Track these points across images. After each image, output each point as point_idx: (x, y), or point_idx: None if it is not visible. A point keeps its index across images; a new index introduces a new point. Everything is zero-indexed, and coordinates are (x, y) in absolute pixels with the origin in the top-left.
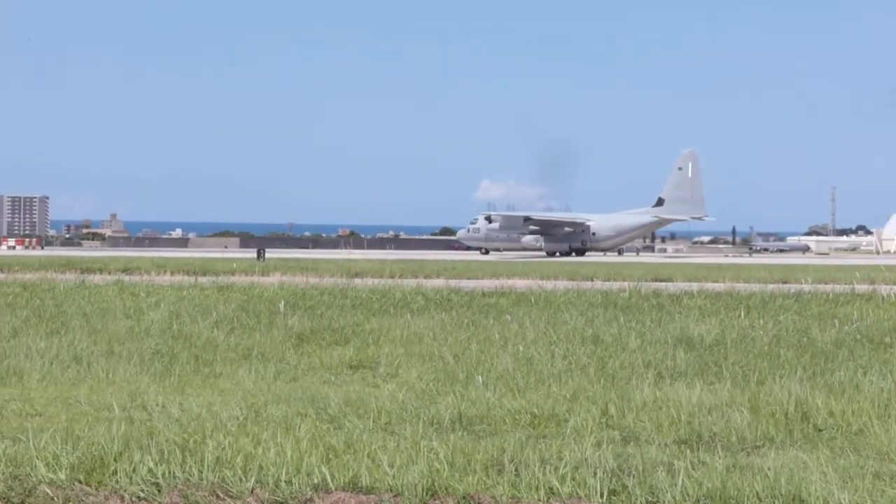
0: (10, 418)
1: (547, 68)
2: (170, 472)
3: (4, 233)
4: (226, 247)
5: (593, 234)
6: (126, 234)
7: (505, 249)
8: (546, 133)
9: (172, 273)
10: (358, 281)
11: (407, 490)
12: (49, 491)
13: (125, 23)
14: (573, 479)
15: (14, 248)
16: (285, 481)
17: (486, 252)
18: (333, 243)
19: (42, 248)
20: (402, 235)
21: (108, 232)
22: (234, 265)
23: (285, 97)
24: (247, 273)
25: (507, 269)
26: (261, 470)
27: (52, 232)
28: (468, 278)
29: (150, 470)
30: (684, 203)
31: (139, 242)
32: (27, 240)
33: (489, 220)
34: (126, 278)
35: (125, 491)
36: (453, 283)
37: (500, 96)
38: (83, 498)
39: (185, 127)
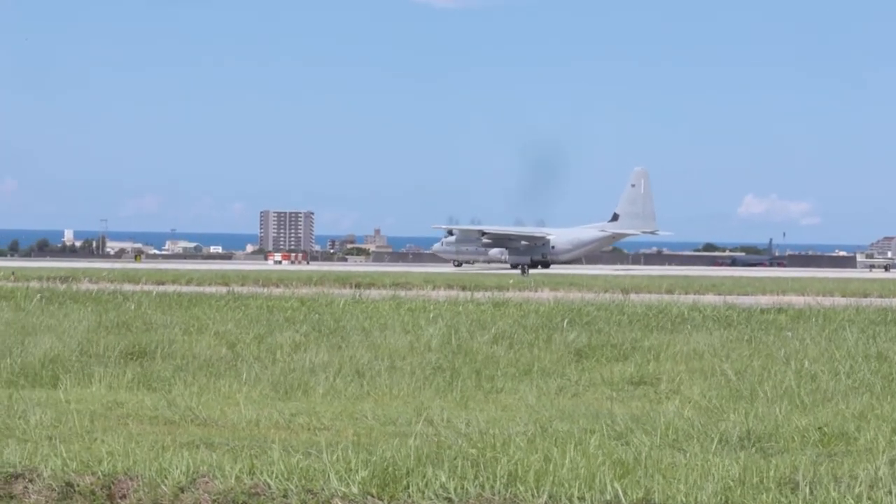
0: (299, 432)
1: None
2: (462, 488)
3: (270, 248)
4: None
5: (553, 247)
6: (390, 249)
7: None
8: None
9: (443, 288)
10: (633, 296)
11: None
12: None
13: (387, 43)
14: (869, 498)
15: (280, 262)
16: (578, 497)
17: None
18: (594, 259)
19: (308, 262)
20: (665, 251)
21: (371, 247)
22: (511, 281)
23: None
24: (519, 288)
25: (776, 286)
26: (553, 485)
27: (316, 247)
28: (738, 294)
29: (442, 485)
30: (637, 218)
31: (403, 257)
32: (293, 255)
33: (451, 233)
34: (402, 293)
35: None
36: (730, 299)
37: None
38: None
39: (444, 142)
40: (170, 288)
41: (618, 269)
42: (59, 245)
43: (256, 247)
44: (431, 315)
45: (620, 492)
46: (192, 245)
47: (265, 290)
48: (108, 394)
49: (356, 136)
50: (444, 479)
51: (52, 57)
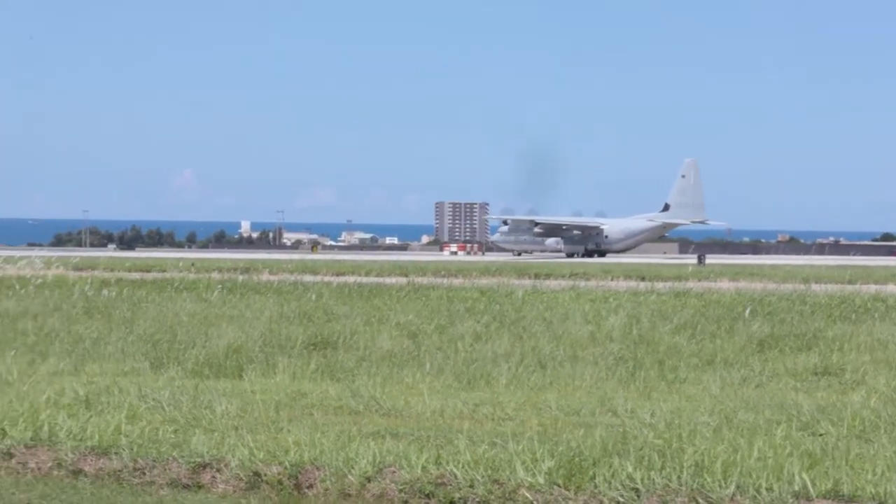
0: (483, 422)
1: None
2: (649, 478)
3: (446, 238)
4: (665, 252)
5: (606, 236)
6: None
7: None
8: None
9: (622, 278)
10: (814, 286)
11: (891, 499)
12: (528, 494)
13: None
14: None
15: (456, 253)
16: (766, 488)
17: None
18: (772, 249)
19: (483, 253)
20: (842, 241)
21: None
22: (691, 269)
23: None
24: (699, 279)
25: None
26: (740, 476)
27: (491, 237)
28: None
29: (628, 475)
30: (687, 208)
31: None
32: (469, 245)
33: (505, 223)
34: (581, 284)
35: (604, 496)
36: None
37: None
38: (562, 502)
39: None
40: (349, 279)
41: (669, 258)
42: (236, 236)
43: (432, 237)
44: (615, 306)
45: (809, 483)
46: (368, 236)
47: (444, 280)
48: (292, 384)
49: (533, 126)
50: (630, 470)
51: (233, 52)
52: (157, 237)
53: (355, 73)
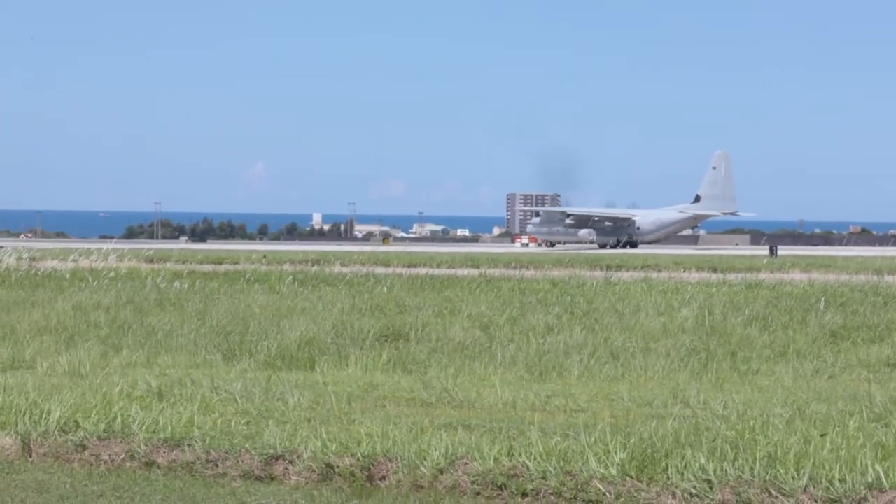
0: (556, 413)
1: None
2: (721, 469)
3: (517, 230)
4: (736, 244)
5: (638, 228)
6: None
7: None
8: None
9: (694, 270)
10: (888, 277)
11: None
12: (601, 486)
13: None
14: None
15: (527, 245)
16: (839, 479)
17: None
18: (844, 240)
19: (553, 245)
20: None
21: None
22: (766, 262)
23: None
24: (770, 270)
25: None
26: (813, 467)
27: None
28: None
29: (701, 467)
30: (718, 200)
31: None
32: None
33: (537, 215)
34: (653, 275)
35: (677, 487)
36: None
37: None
38: (635, 494)
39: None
40: (420, 271)
41: (741, 250)
42: (308, 228)
43: (503, 229)
44: (687, 297)
45: (882, 474)
46: (440, 228)
47: (516, 272)
48: (364, 376)
49: (604, 119)
50: (703, 461)
51: (306, 45)
52: (229, 229)
53: (428, 66)
